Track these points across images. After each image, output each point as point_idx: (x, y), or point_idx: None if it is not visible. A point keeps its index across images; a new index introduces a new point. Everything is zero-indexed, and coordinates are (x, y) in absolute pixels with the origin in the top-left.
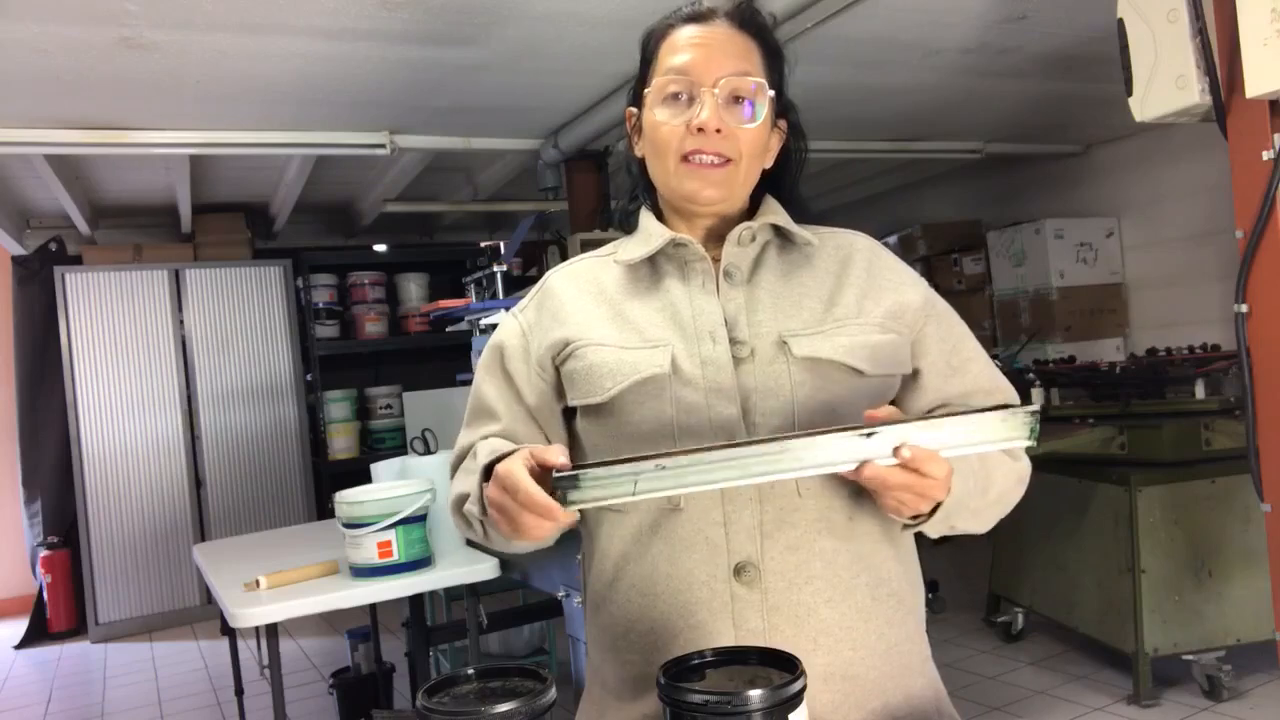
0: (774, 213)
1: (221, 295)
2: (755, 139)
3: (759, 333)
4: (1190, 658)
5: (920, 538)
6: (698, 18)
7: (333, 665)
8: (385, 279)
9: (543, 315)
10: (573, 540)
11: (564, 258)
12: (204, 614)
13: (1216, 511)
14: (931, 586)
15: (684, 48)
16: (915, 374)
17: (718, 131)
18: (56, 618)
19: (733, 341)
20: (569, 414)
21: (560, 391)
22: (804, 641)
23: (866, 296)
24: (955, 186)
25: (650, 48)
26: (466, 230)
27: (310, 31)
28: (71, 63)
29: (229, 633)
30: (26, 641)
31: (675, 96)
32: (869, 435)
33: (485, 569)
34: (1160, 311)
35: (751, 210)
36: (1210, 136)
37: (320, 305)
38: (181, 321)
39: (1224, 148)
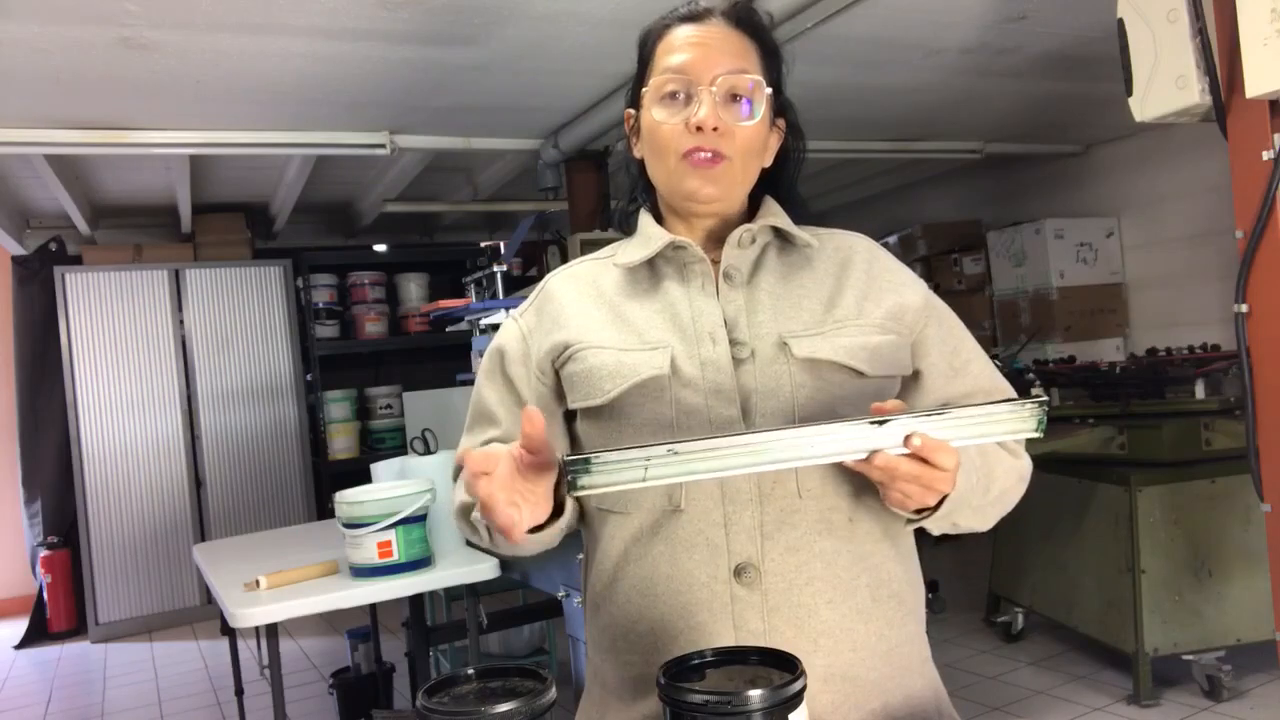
0: (774, 215)
1: (221, 295)
2: (753, 137)
3: (759, 334)
4: (1190, 658)
5: (920, 536)
6: (694, 17)
7: (333, 665)
8: (385, 279)
9: (542, 319)
10: (573, 540)
11: (564, 257)
12: (204, 614)
13: (1216, 511)
14: (931, 586)
15: (681, 47)
16: (916, 375)
17: (715, 129)
18: (56, 618)
19: (733, 343)
20: (569, 417)
21: (561, 395)
22: (804, 642)
23: (866, 298)
24: (955, 186)
25: (647, 49)
26: (466, 230)
27: (310, 31)
28: (71, 63)
29: (229, 633)
30: (26, 641)
31: (673, 96)
32: (881, 424)
33: (485, 569)
34: (1160, 311)
35: (751, 212)
36: (1210, 136)
37: (320, 305)
38: (181, 321)
39: (1224, 148)
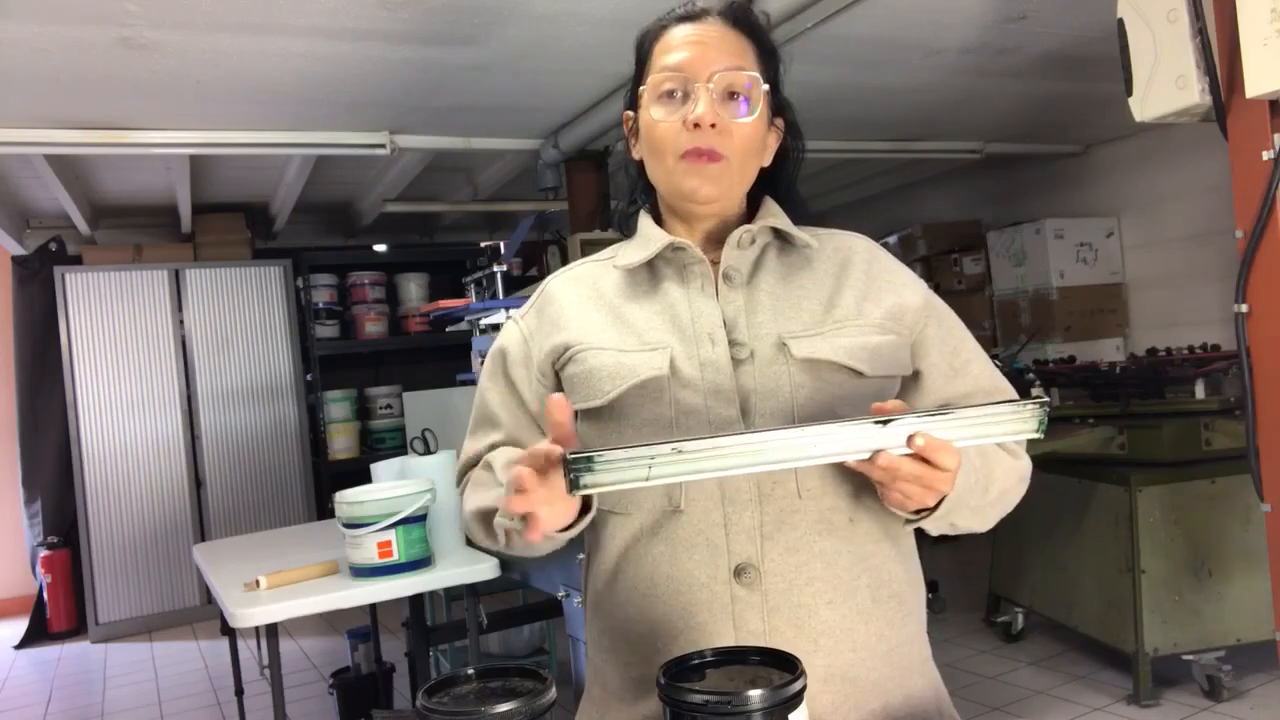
0: (773, 215)
1: (221, 295)
2: (751, 134)
3: (758, 334)
4: (1190, 658)
5: (919, 536)
6: (691, 17)
7: (333, 665)
8: (385, 279)
9: (543, 321)
10: (573, 541)
11: (564, 257)
12: (204, 614)
13: (1216, 511)
14: (931, 586)
15: (678, 46)
16: (916, 376)
17: (713, 126)
18: (56, 618)
19: (732, 343)
20: None
21: None
22: (804, 643)
23: (866, 298)
24: (955, 186)
25: (644, 49)
26: (466, 230)
27: (310, 31)
28: (71, 63)
29: (229, 633)
30: (26, 641)
31: (670, 94)
32: (884, 424)
33: (485, 569)
34: (1160, 311)
35: (750, 212)
36: (1210, 136)
37: (320, 305)
38: (181, 321)
39: (1224, 148)
